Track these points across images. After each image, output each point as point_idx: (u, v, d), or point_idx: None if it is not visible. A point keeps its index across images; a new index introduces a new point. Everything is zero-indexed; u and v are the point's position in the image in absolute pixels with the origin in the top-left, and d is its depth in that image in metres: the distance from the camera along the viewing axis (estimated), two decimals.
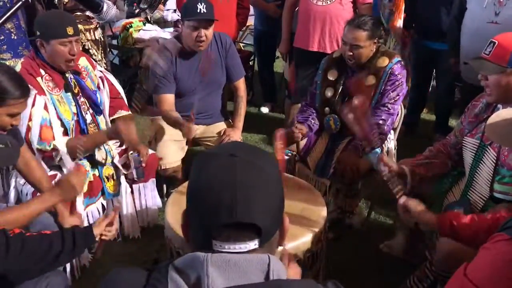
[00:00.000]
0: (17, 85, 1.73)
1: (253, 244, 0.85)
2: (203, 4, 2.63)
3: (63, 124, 2.31)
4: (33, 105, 2.16)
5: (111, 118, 2.66)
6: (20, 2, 1.24)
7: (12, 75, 1.75)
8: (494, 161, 1.92)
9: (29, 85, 2.13)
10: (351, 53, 2.54)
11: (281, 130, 2.20)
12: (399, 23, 3.59)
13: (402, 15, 3.58)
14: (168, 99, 2.82)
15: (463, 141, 2.08)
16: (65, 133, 2.33)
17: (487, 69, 1.91)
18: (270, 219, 0.87)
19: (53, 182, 2.23)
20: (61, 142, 2.24)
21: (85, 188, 2.38)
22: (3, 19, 1.22)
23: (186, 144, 2.79)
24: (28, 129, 2.17)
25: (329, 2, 3.32)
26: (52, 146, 2.24)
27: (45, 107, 2.21)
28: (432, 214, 1.84)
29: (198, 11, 2.62)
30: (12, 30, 3.05)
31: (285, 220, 0.94)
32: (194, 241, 0.90)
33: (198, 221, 0.88)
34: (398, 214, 1.99)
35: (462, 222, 1.71)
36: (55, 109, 2.27)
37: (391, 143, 2.78)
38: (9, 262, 1.46)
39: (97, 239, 1.73)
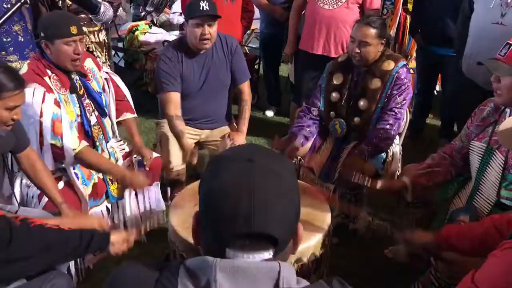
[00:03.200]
0: (11, 77, 1.73)
1: (268, 254, 0.84)
2: (205, 2, 2.64)
3: None
4: (43, 101, 2.15)
5: (117, 120, 2.66)
6: (19, 3, 1.23)
7: (4, 69, 1.74)
8: (502, 165, 1.91)
9: (38, 84, 2.15)
10: (359, 51, 2.53)
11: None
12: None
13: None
14: (175, 98, 2.80)
15: (470, 145, 2.07)
16: (78, 132, 2.33)
17: (502, 71, 1.89)
18: (287, 229, 0.86)
19: (58, 184, 2.24)
20: (69, 139, 2.24)
21: (90, 190, 2.39)
22: (2, 19, 1.22)
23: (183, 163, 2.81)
24: (41, 124, 2.17)
25: (335, 7, 3.33)
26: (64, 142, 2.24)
27: (56, 103, 2.21)
28: (429, 235, 1.85)
29: (201, 8, 2.64)
30: (19, 32, 3.07)
31: (299, 228, 0.92)
32: (206, 246, 0.89)
33: (213, 228, 0.86)
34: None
35: (456, 237, 1.73)
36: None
37: (396, 147, 2.77)
38: (29, 249, 1.49)
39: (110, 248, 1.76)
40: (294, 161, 2.76)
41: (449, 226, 1.87)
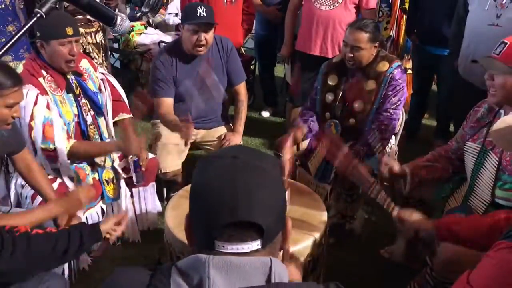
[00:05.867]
0: (7, 74, 1.72)
1: (256, 245, 0.85)
2: (203, 8, 2.64)
3: (64, 125, 2.30)
4: (35, 104, 2.15)
5: (113, 120, 2.66)
6: (35, 18, 1.20)
7: (1, 67, 1.74)
8: (496, 166, 1.91)
9: (31, 85, 2.14)
10: (352, 55, 2.54)
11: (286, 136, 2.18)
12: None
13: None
14: (167, 103, 2.81)
15: (465, 146, 2.08)
16: (66, 133, 2.32)
17: (496, 69, 1.88)
18: (273, 219, 0.87)
19: (54, 184, 2.23)
20: (61, 142, 2.23)
21: None
22: (16, 37, 1.18)
23: (185, 145, 2.75)
24: (31, 128, 2.16)
25: (332, 7, 3.33)
26: (55, 145, 2.23)
27: (48, 106, 2.20)
28: (428, 220, 1.83)
29: (198, 14, 2.63)
30: (13, 32, 3.05)
31: (288, 222, 0.94)
32: (197, 243, 0.91)
33: (200, 222, 0.88)
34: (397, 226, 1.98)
35: (460, 225, 1.71)
36: (58, 109, 2.27)
37: (392, 147, 2.77)
38: (15, 260, 1.46)
39: (103, 236, 1.74)
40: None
41: (452, 215, 1.85)
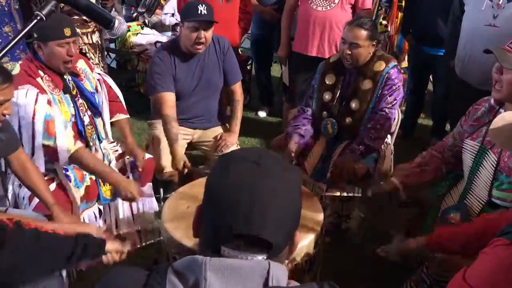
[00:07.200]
0: None
1: (261, 258, 0.85)
2: (204, 6, 2.64)
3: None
4: (36, 102, 2.14)
5: (110, 121, 2.65)
6: (36, 20, 1.20)
7: None
8: (494, 165, 1.90)
9: (31, 85, 2.14)
10: (350, 52, 2.55)
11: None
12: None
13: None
14: (168, 98, 2.79)
15: (463, 144, 2.07)
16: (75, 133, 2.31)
17: (509, 62, 1.82)
18: (283, 235, 0.87)
19: (50, 186, 2.23)
20: (63, 140, 2.22)
21: (82, 192, 2.37)
22: (17, 39, 1.18)
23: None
24: (33, 125, 2.14)
25: (329, 8, 3.34)
26: (57, 142, 2.21)
27: (49, 103, 2.19)
28: (421, 241, 1.84)
29: (199, 12, 2.63)
30: (10, 33, 3.06)
31: (297, 236, 0.93)
32: (204, 239, 0.90)
33: (211, 224, 0.87)
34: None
35: (453, 240, 1.72)
36: (57, 108, 2.26)
37: (388, 147, 2.78)
38: (24, 253, 1.47)
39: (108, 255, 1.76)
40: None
41: (440, 229, 1.86)
